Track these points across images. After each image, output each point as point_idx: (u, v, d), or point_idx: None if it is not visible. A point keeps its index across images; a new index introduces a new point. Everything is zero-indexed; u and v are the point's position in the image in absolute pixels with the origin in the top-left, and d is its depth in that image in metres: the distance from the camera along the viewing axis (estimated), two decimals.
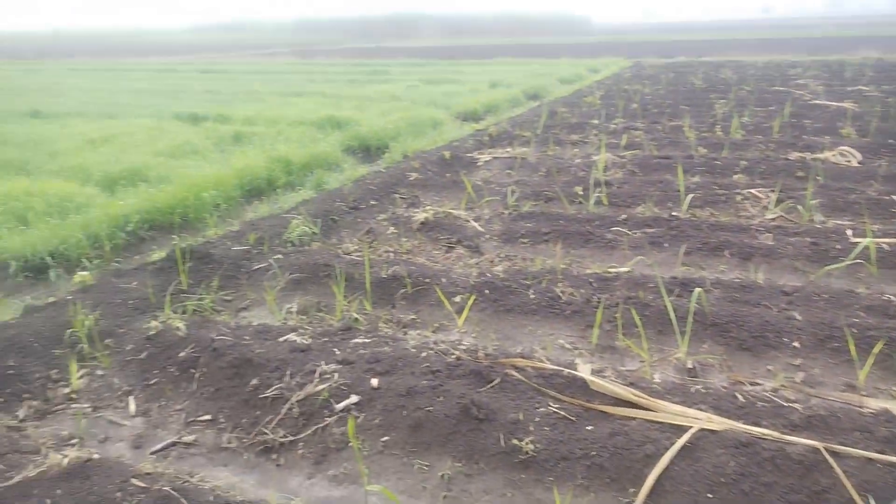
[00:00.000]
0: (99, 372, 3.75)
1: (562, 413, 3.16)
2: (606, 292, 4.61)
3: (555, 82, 20.59)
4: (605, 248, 5.65)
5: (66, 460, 2.77)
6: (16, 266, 5.28)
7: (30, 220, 6.14)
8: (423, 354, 3.71)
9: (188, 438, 3.19)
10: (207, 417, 3.33)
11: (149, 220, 6.33)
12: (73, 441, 3.15)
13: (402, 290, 4.74)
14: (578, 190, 7.16)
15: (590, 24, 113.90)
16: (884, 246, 5.16)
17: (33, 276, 5.28)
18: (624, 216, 6.32)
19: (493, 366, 3.58)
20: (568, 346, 4.14)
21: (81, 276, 4.88)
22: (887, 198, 6.48)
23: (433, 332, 4.34)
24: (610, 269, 5.16)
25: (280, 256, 5.30)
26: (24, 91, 19.12)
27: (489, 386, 3.41)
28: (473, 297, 4.49)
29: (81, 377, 3.67)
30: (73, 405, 3.46)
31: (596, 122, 12.05)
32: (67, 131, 11.03)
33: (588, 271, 5.13)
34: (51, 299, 4.67)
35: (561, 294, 4.60)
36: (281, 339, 3.87)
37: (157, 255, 5.56)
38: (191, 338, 3.80)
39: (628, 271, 5.08)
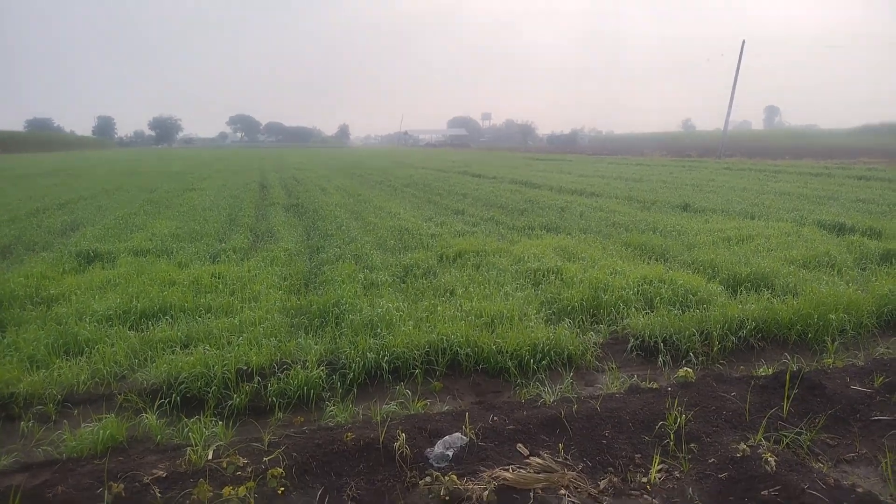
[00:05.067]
0: (676, 474, 3.74)
1: None
2: None
3: None
4: None
5: None
6: (633, 343, 5.91)
7: (655, 304, 6.80)
8: None
9: None
10: None
11: (763, 330, 6.07)
12: None
13: None
14: None
15: None
16: None
17: (644, 356, 5.79)
18: None
19: None
20: None
21: (685, 371, 5.05)
22: None
23: None
24: None
25: None
26: (681, 186, 21.73)
27: None
28: None
29: (660, 471, 3.74)
30: (646, 496, 3.55)
31: None
32: (708, 227, 11.85)
33: None
34: (653, 385, 4.99)
35: None
36: None
37: (764, 370, 5.24)
38: (779, 477, 3.37)
39: None
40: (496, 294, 7.21)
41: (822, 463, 3.90)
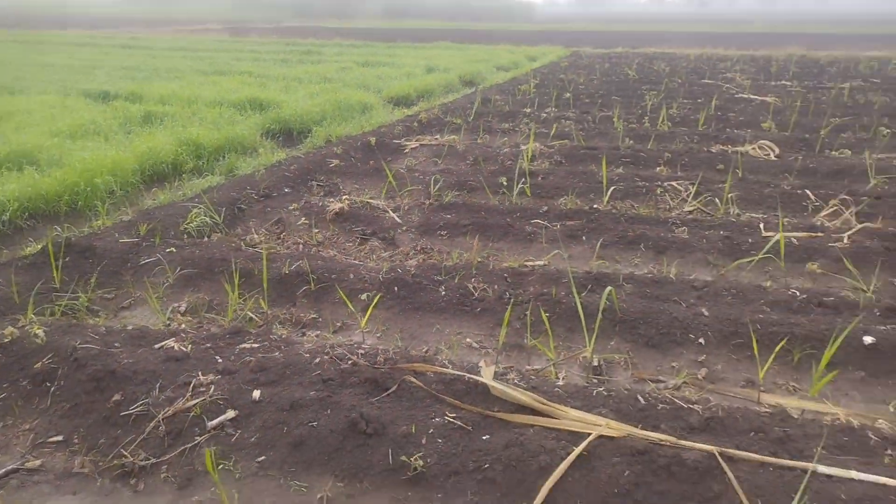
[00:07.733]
0: None
1: (458, 423, 2.94)
2: (520, 288, 4.44)
3: (492, 69, 20.38)
4: (524, 241, 5.48)
5: None
6: None
7: None
8: (317, 360, 3.41)
9: (33, 464, 2.80)
10: (59, 438, 2.94)
11: (30, 209, 5.74)
12: None
13: (305, 287, 4.43)
14: (503, 180, 6.97)
15: (532, 12, 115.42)
16: (793, 240, 5.18)
17: None
18: (545, 208, 6.17)
19: (391, 371, 3.32)
20: (476, 345, 3.95)
21: None
22: (800, 192, 6.56)
23: (333, 332, 4.07)
24: (526, 263, 4.99)
25: (173, 249, 4.88)
26: None
27: (385, 394, 3.16)
28: (380, 295, 4.24)
29: None
30: None
31: (528, 110, 11.90)
32: None
33: (504, 265, 4.93)
34: None
35: (473, 290, 4.39)
36: (156, 346, 3.49)
37: (32, 248, 5.02)
38: (50, 346, 3.38)
39: (544, 265, 4.92)
40: None
41: (102, 317, 4.14)
